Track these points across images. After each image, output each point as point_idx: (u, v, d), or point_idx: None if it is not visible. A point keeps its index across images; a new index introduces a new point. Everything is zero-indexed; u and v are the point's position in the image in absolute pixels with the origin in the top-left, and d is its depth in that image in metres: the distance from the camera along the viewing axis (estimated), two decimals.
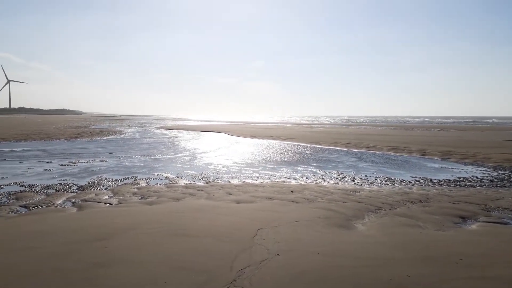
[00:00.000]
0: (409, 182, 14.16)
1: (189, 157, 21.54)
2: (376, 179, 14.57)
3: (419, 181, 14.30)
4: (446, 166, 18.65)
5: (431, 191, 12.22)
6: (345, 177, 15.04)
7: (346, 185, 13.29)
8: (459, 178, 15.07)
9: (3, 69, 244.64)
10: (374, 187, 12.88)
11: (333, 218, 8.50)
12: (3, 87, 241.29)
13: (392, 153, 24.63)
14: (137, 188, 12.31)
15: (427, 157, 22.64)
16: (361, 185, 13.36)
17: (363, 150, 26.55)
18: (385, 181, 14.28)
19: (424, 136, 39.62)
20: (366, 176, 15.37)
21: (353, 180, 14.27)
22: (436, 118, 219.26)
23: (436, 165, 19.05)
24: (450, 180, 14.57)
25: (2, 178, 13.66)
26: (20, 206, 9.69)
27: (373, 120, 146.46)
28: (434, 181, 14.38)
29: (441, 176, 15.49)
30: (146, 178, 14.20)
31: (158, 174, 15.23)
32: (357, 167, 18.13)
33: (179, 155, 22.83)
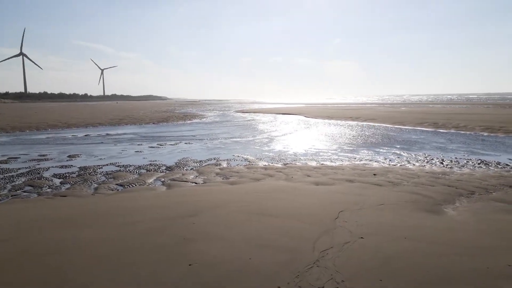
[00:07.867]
0: (507, 164, 12.88)
1: (267, 139, 21.81)
2: (467, 162, 13.48)
3: None
4: None
5: None
6: (432, 159, 14.12)
7: (434, 167, 12.48)
8: None
9: (95, 63, 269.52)
10: (465, 170, 11.94)
11: (420, 202, 8.06)
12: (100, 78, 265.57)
13: (485, 134, 22.57)
14: (220, 168, 12.80)
15: None
16: (450, 167, 12.46)
17: (452, 131, 24.69)
18: (478, 163, 13.14)
19: None
20: (456, 158, 14.29)
21: (442, 163, 13.35)
22: None
23: None
24: None
25: (100, 159, 15.07)
26: (116, 184, 10.63)
27: (461, 98, 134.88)
28: None
29: None
30: (227, 159, 14.70)
31: (238, 156, 15.67)
32: (446, 148, 16.92)
33: (257, 137, 23.22)
